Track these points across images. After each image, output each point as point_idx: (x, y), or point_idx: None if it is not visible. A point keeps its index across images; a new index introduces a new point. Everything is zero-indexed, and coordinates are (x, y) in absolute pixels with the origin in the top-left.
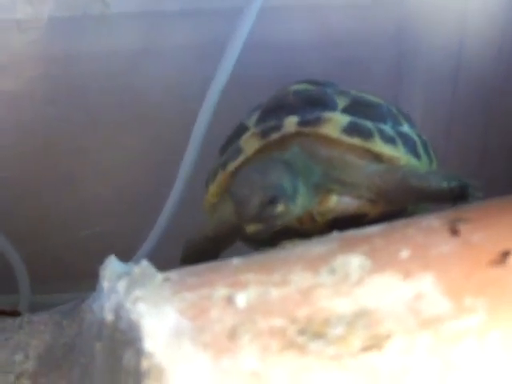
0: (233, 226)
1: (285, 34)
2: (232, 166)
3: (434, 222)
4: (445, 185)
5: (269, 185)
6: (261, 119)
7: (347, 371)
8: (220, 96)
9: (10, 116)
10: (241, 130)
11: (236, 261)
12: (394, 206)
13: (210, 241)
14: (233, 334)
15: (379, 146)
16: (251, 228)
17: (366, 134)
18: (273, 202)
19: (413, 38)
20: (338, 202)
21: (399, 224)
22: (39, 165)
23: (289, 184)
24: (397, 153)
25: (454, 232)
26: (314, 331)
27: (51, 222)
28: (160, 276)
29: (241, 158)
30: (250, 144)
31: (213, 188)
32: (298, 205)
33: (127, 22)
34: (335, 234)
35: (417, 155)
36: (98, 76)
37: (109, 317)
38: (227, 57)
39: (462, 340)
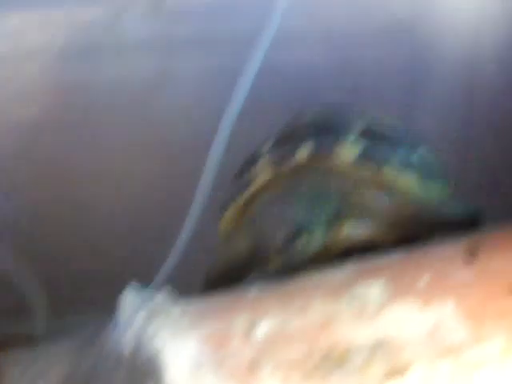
0: (244, 260)
1: (298, 61)
2: (243, 198)
3: (451, 249)
4: (458, 213)
5: (291, 220)
6: (274, 147)
7: None
8: (235, 122)
9: (24, 143)
10: (254, 157)
11: (254, 290)
12: (407, 235)
13: (227, 270)
14: (253, 366)
15: (391, 175)
16: (274, 263)
17: (379, 163)
18: (295, 236)
19: (426, 64)
20: (351, 232)
21: (418, 251)
22: (57, 191)
23: (309, 218)
24: (409, 181)
25: (472, 259)
26: (334, 361)
27: (69, 246)
28: (179, 307)
29: (253, 187)
30: (263, 172)
31: (226, 219)
32: (317, 238)
33: (141, 51)
34: (353, 262)
35: (431, 180)
36: (113, 104)
37: (128, 348)
38: (241, 83)
39: (482, 367)
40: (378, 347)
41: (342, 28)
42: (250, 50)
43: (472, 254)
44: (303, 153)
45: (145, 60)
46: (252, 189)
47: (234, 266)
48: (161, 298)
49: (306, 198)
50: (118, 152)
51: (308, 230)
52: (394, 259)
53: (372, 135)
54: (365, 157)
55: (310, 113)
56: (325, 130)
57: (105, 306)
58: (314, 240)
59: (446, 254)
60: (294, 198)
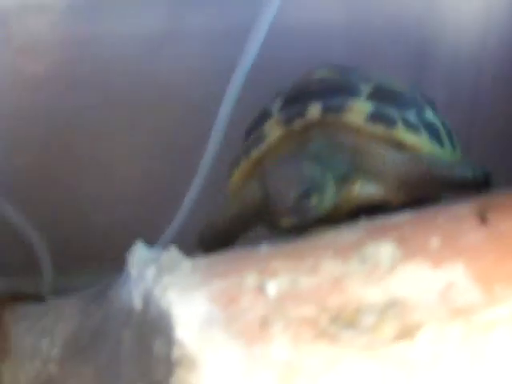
0: (255, 212)
1: (309, 18)
2: (255, 154)
3: (462, 210)
4: (469, 174)
5: (303, 179)
6: (284, 106)
7: (379, 360)
8: (244, 80)
9: (29, 99)
10: (264, 115)
11: (265, 248)
12: (418, 194)
13: (231, 224)
14: (264, 323)
15: (402, 135)
16: (286, 221)
17: (390, 122)
18: (307, 195)
19: (437, 23)
20: (362, 191)
21: (428, 212)
22: (61, 149)
23: (320, 177)
24: (420, 141)
25: (483, 220)
26: (345, 320)
27: (73, 206)
28: (189, 263)
29: (264, 146)
30: (273, 131)
31: (236, 175)
32: (328, 197)
33: (151, 4)
34: (363, 222)
35: (440, 143)
36: (121, 59)
37: (137, 304)
38: (252, 41)
39: (494, 329)
40: (389, 307)
41: None
42: (260, 7)
43: (483, 216)
44: (313, 111)
45: (154, 14)
46: (262, 147)
47: (240, 222)
48: (170, 254)
49: (318, 156)
50: (124, 108)
51: (320, 188)
52: (405, 219)
53: (381, 96)
54: (375, 116)
55: (318, 72)
56: (334, 89)
57: (113, 264)
58: (326, 198)
59: (457, 215)
60: (306, 156)
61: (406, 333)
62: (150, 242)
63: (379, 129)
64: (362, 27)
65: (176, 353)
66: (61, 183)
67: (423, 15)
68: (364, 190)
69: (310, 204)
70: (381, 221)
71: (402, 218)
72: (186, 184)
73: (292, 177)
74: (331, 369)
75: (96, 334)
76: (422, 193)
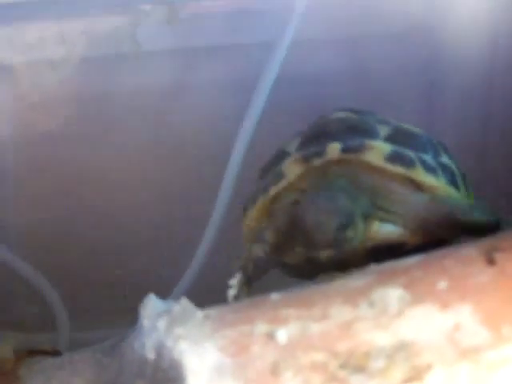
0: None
1: (316, 66)
2: (274, 191)
3: (470, 251)
4: (485, 220)
5: (339, 211)
6: (302, 145)
7: None
8: (253, 130)
9: (40, 155)
10: (282, 155)
11: (274, 296)
12: (434, 236)
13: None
14: (275, 370)
15: (421, 176)
16: (325, 253)
17: (409, 163)
18: (345, 227)
19: (443, 67)
20: (380, 230)
21: (436, 255)
22: (75, 204)
23: (351, 211)
24: (438, 183)
25: (491, 262)
26: (355, 365)
27: (88, 260)
28: (200, 313)
29: (283, 183)
30: (291, 169)
31: (253, 212)
32: (360, 230)
33: (159, 60)
34: (373, 267)
35: (456, 187)
36: (132, 114)
37: (150, 355)
38: (259, 91)
39: (501, 369)
40: (398, 350)
41: (360, 32)
42: (267, 57)
43: (490, 257)
44: (333, 151)
45: (163, 69)
46: (281, 184)
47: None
48: (181, 305)
49: (344, 192)
50: (136, 162)
51: (354, 220)
52: (414, 262)
53: (398, 139)
54: (394, 157)
55: (336, 114)
56: (353, 130)
57: (127, 316)
58: (359, 232)
59: (464, 257)
60: (340, 193)
61: (415, 375)
62: (164, 293)
63: (398, 169)
64: (369, 74)
65: None
66: (75, 237)
67: (429, 59)
68: (382, 229)
69: (348, 236)
70: (389, 265)
71: (410, 261)
72: (198, 236)
73: (330, 209)
74: None
75: None
76: (439, 235)
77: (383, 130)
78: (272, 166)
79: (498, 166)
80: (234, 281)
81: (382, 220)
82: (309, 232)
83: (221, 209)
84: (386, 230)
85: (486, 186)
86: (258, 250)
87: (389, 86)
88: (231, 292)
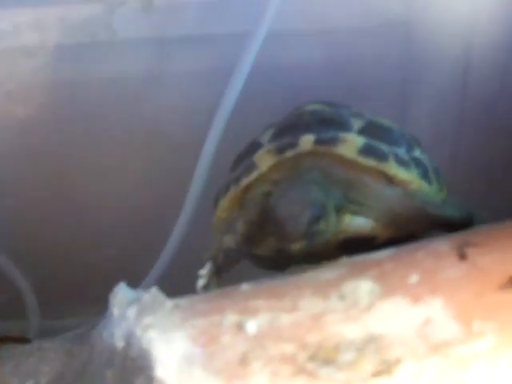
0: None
1: (291, 58)
2: (245, 182)
3: (442, 246)
4: (457, 214)
5: (312, 203)
6: (275, 137)
7: None
8: (227, 121)
9: (17, 142)
10: (254, 146)
11: (245, 287)
12: (405, 231)
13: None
14: (244, 361)
15: (394, 169)
16: (297, 246)
17: (382, 157)
18: (317, 219)
19: (418, 62)
20: (352, 223)
21: (408, 248)
22: (47, 191)
23: (325, 202)
24: (410, 177)
25: (462, 256)
26: (324, 357)
27: (60, 247)
28: (170, 303)
29: (255, 174)
30: (264, 160)
31: (224, 203)
32: (331, 223)
33: (134, 48)
34: (344, 260)
35: (429, 181)
36: (105, 102)
37: (119, 344)
38: (234, 82)
39: (472, 364)
40: (368, 344)
41: (336, 25)
42: (242, 48)
43: (462, 252)
44: (306, 142)
45: (138, 58)
46: (253, 175)
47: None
48: (151, 295)
49: (317, 184)
50: (110, 149)
51: (327, 213)
52: (385, 256)
53: (372, 132)
54: (366, 150)
55: (309, 106)
56: (326, 122)
57: (98, 305)
58: (330, 224)
59: (436, 251)
60: (306, 183)
61: (385, 369)
62: (136, 282)
63: (371, 162)
64: (344, 67)
65: None
66: (46, 225)
67: (405, 54)
68: (354, 222)
69: (320, 228)
70: (361, 258)
71: (382, 254)
72: (170, 225)
73: (302, 201)
74: None
75: (81, 375)
76: (410, 229)
77: (357, 123)
78: (244, 157)
79: (471, 161)
80: (204, 271)
81: (354, 213)
82: (281, 224)
83: (193, 199)
84: (357, 223)
85: (460, 179)
86: (229, 241)
87: (364, 79)
88: (201, 282)
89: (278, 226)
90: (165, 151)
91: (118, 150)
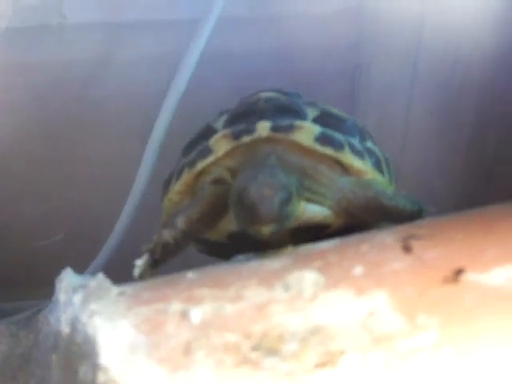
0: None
1: (242, 45)
2: (201, 165)
3: (386, 238)
4: (408, 207)
5: (282, 185)
6: (231, 122)
7: None
8: (176, 106)
9: None
10: (208, 131)
11: (190, 275)
12: (357, 220)
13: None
14: (188, 350)
15: (350, 159)
16: (267, 229)
17: (338, 146)
18: (287, 202)
19: (369, 48)
20: (306, 210)
21: (353, 240)
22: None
23: (290, 186)
24: (365, 167)
25: (407, 249)
26: (268, 347)
27: (8, 230)
28: (115, 290)
29: (211, 158)
30: (220, 145)
31: (178, 186)
32: (295, 208)
33: (85, 33)
34: (289, 250)
35: (381, 171)
36: (56, 86)
37: (65, 329)
38: (184, 67)
39: (415, 357)
40: (311, 335)
41: (287, 12)
42: (193, 34)
43: (406, 245)
44: (262, 129)
45: (88, 42)
46: (209, 159)
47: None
48: (97, 281)
49: (278, 169)
50: (58, 134)
51: (293, 196)
52: (330, 247)
53: (326, 121)
54: (323, 138)
55: (264, 94)
56: (281, 110)
57: (44, 290)
58: (295, 207)
59: (381, 243)
60: (271, 168)
61: (328, 360)
62: (82, 267)
63: (328, 151)
64: (294, 54)
65: (100, 378)
66: None
67: (355, 41)
68: (309, 209)
69: (289, 211)
70: (306, 249)
71: (327, 245)
72: (117, 210)
73: (273, 184)
74: None
75: (26, 359)
76: (363, 219)
77: (311, 112)
78: (198, 142)
79: (419, 150)
80: (140, 262)
81: (309, 201)
82: (253, 207)
83: (140, 185)
84: (312, 211)
85: (407, 169)
86: (168, 236)
87: (313, 66)
88: (136, 271)
89: (249, 208)
90: (113, 137)
91: (67, 134)
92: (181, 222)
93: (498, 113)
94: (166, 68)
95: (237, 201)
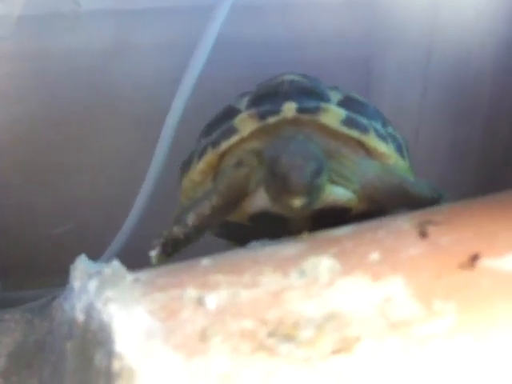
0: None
1: (255, 32)
2: (225, 145)
3: (403, 224)
4: (429, 194)
5: (313, 156)
6: (254, 103)
7: (317, 374)
8: (190, 93)
9: None
10: (231, 112)
11: (206, 261)
12: (378, 205)
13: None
14: (203, 336)
15: (375, 142)
16: (298, 201)
17: (363, 129)
18: (319, 172)
19: (383, 38)
20: (331, 192)
21: (369, 226)
22: (10, 162)
23: (322, 158)
24: (389, 151)
25: (423, 235)
26: (283, 334)
27: (22, 218)
28: (130, 276)
29: (236, 138)
30: (245, 124)
31: (200, 165)
32: (324, 184)
33: (98, 20)
34: (305, 236)
35: (403, 156)
36: (69, 74)
37: (80, 316)
38: (198, 54)
39: (431, 343)
40: (327, 321)
41: (300, 1)
42: (207, 21)
43: (422, 231)
44: (289, 110)
45: (102, 29)
46: (233, 139)
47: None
48: (112, 268)
49: (306, 141)
50: (73, 121)
51: (324, 168)
52: (346, 233)
53: (350, 105)
54: (349, 121)
55: (287, 76)
56: (306, 92)
57: (59, 277)
58: (325, 182)
59: (397, 229)
60: (302, 141)
61: (344, 346)
62: (97, 254)
63: (354, 133)
64: (308, 42)
65: (116, 365)
66: (9, 196)
67: (369, 31)
68: (334, 191)
69: (320, 183)
70: (322, 235)
71: (343, 232)
72: (132, 197)
73: (304, 154)
74: (269, 381)
75: (40, 346)
76: (385, 204)
77: (335, 96)
78: (220, 123)
79: (432, 140)
80: (154, 252)
81: (334, 183)
82: (285, 176)
83: (155, 172)
84: (337, 193)
85: (420, 158)
86: (178, 233)
87: (327, 55)
88: (152, 260)
89: (280, 178)
90: (128, 123)
91: (82, 121)
92: (191, 220)
93: (511, 102)
94: (180, 55)
95: (268, 172)
